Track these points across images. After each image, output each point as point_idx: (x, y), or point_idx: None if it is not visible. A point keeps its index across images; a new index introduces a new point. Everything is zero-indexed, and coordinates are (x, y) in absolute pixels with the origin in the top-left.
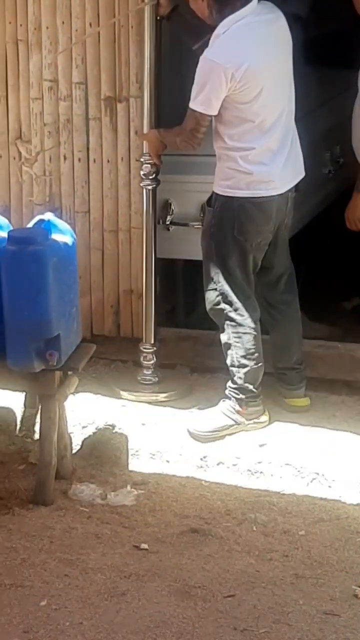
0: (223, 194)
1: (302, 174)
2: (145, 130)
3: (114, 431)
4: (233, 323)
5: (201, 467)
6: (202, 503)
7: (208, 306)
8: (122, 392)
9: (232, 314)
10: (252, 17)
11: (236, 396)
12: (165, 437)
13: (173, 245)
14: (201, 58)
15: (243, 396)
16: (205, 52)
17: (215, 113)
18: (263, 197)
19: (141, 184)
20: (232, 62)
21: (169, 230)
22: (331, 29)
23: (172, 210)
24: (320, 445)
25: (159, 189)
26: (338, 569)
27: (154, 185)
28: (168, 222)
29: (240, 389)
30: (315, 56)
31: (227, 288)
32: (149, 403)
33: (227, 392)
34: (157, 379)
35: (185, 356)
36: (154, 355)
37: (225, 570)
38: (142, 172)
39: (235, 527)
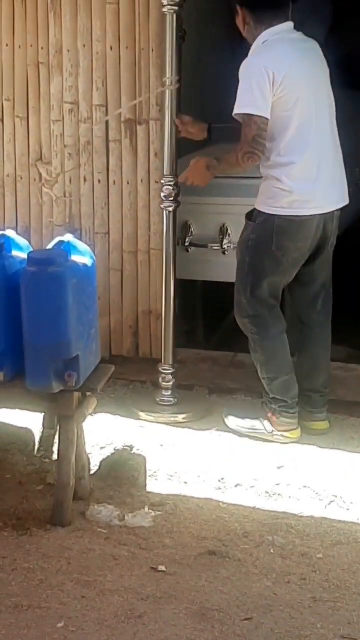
0: (265, 210)
1: (347, 201)
2: (166, 153)
3: (132, 452)
4: (259, 335)
5: (219, 488)
6: (220, 525)
7: (237, 318)
8: (140, 413)
9: (259, 327)
10: (288, 34)
11: (269, 404)
12: (184, 459)
13: (192, 267)
14: (242, 65)
15: (275, 406)
16: (245, 60)
17: (267, 115)
18: (304, 216)
19: (161, 206)
20: (273, 65)
21: (188, 251)
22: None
23: (192, 232)
24: (339, 468)
25: (178, 211)
26: (356, 593)
27: (174, 207)
28: (187, 244)
29: (273, 399)
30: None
31: (254, 301)
32: (167, 424)
33: (263, 400)
34: (175, 400)
35: (204, 377)
36: (172, 377)
37: (243, 593)
38: (162, 194)
39: (253, 549)
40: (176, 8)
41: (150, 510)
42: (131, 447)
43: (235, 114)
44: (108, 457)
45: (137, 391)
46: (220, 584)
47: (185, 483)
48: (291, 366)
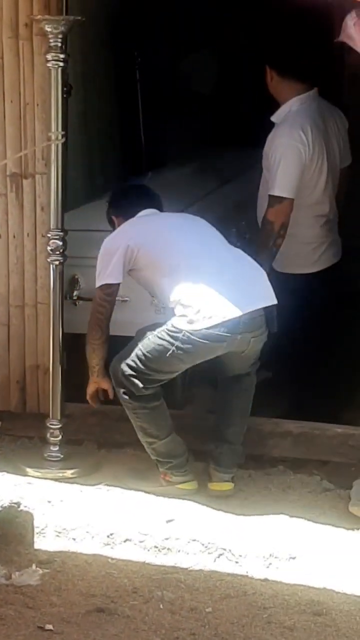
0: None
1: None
2: (52, 206)
3: (19, 509)
4: (132, 404)
5: (108, 544)
6: (109, 581)
7: (113, 376)
8: (27, 469)
9: (132, 398)
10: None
11: (158, 466)
12: (72, 515)
13: (80, 321)
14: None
15: (163, 468)
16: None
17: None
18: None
19: (48, 259)
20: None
21: (76, 305)
22: (235, 109)
23: (79, 285)
24: (228, 520)
25: (66, 265)
26: None
27: (61, 261)
28: (75, 297)
29: (157, 461)
30: (220, 135)
31: (136, 381)
32: (56, 480)
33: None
34: (63, 455)
35: (92, 431)
36: (60, 431)
37: None
38: (49, 248)
39: (142, 605)
40: (61, 63)
41: (38, 568)
42: (18, 504)
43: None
44: None
45: (24, 447)
46: None
47: (74, 539)
48: (170, 428)
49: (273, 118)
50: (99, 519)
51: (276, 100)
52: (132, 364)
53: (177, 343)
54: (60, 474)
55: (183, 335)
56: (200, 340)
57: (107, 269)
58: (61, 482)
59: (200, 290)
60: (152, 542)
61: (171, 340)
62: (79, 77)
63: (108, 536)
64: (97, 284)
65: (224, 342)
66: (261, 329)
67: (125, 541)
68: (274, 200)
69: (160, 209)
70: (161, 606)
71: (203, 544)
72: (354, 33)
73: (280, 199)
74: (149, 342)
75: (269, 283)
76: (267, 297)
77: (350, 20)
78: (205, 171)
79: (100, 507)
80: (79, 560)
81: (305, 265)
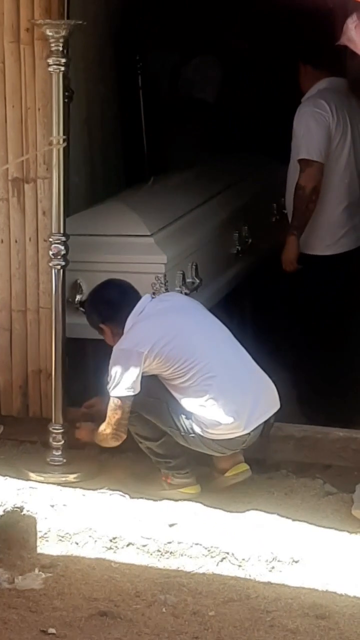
0: None
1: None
2: (54, 211)
3: (22, 514)
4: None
5: (110, 548)
6: (112, 585)
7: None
8: (30, 474)
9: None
10: None
11: (159, 466)
12: (75, 519)
13: (83, 325)
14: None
15: (164, 469)
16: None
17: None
18: None
19: (50, 264)
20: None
21: (78, 310)
22: (236, 115)
23: (81, 290)
24: (230, 524)
25: (68, 269)
26: None
27: (63, 265)
28: (77, 302)
29: (157, 462)
30: (222, 141)
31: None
32: (58, 484)
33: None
34: (66, 459)
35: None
36: (63, 436)
37: None
38: (50, 252)
39: (145, 609)
40: (62, 68)
41: (41, 572)
42: (21, 509)
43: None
44: None
45: (27, 451)
46: None
47: (77, 544)
48: (159, 431)
49: (303, 100)
50: (102, 523)
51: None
52: (134, 421)
53: (187, 437)
54: (63, 479)
55: (195, 437)
56: (210, 441)
57: (129, 379)
58: (64, 486)
59: (213, 410)
60: (154, 546)
61: (183, 434)
62: (81, 83)
63: (111, 540)
64: (119, 395)
65: (229, 448)
66: (261, 426)
67: (128, 545)
68: (303, 164)
69: (138, 296)
70: (164, 610)
71: (206, 548)
72: (355, 36)
73: (309, 163)
74: (160, 414)
75: (274, 388)
76: (272, 405)
77: (351, 23)
78: (207, 176)
79: (102, 511)
80: (82, 564)
81: (326, 247)
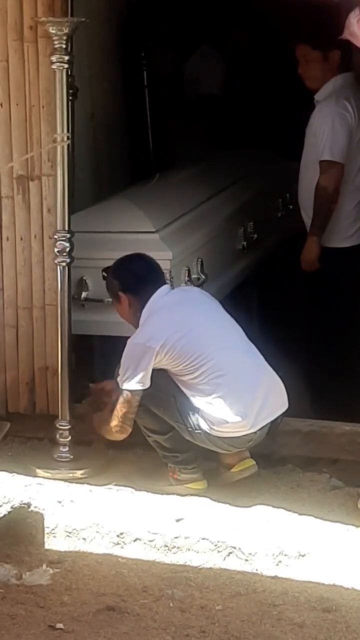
0: None
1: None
2: (58, 208)
3: (29, 510)
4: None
5: (118, 544)
6: (119, 580)
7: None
8: (37, 470)
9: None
10: None
11: (166, 461)
12: (82, 515)
13: (88, 322)
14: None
15: (171, 464)
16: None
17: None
18: None
19: (55, 261)
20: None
21: (84, 306)
22: (241, 111)
23: (87, 287)
24: (237, 519)
25: (74, 266)
26: None
27: (68, 262)
28: (83, 299)
29: (164, 456)
30: (227, 137)
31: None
32: (66, 480)
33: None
34: (73, 456)
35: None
36: (70, 432)
37: None
38: (56, 249)
39: (152, 603)
40: (65, 65)
41: (48, 568)
42: (29, 505)
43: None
44: (5, 515)
45: (34, 448)
46: None
47: (84, 539)
48: (165, 425)
49: (317, 96)
50: (109, 518)
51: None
52: (142, 414)
53: (194, 433)
54: (70, 475)
55: (201, 433)
56: (216, 438)
57: (140, 374)
58: (71, 482)
59: (221, 407)
60: (161, 541)
61: (190, 430)
62: (86, 80)
63: (118, 536)
64: (130, 388)
65: (235, 446)
66: (268, 425)
67: (135, 540)
68: (326, 165)
69: (164, 279)
70: (171, 604)
71: (212, 543)
72: (357, 30)
73: (331, 164)
74: (167, 409)
75: (283, 388)
76: (280, 406)
77: (353, 18)
78: (212, 172)
79: (110, 507)
80: (90, 559)
81: (341, 239)
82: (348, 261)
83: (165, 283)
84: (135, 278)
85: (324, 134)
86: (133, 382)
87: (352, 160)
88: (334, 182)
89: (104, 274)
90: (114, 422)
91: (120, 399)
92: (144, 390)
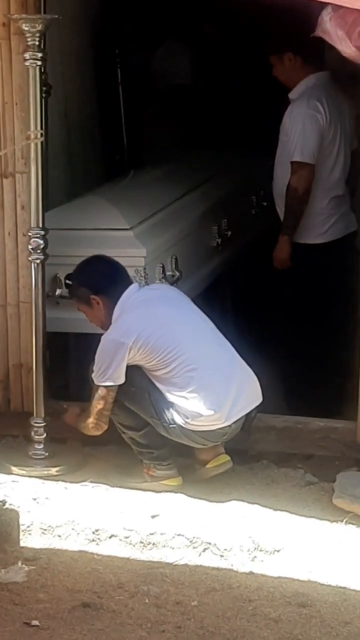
0: None
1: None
2: (32, 205)
3: (4, 507)
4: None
5: (93, 540)
6: (94, 577)
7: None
8: (12, 468)
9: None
10: None
11: (141, 457)
12: (57, 512)
13: (63, 319)
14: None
15: (146, 460)
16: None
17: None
18: None
19: (29, 258)
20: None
21: (58, 304)
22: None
23: (61, 284)
24: (212, 515)
25: (48, 263)
26: (230, 638)
27: (42, 259)
28: (57, 296)
29: (139, 453)
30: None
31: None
32: (41, 478)
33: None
34: (48, 453)
35: (77, 429)
36: (44, 430)
37: None
38: (30, 247)
39: (128, 600)
40: (39, 62)
41: (24, 565)
42: (4, 502)
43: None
44: None
45: (9, 445)
46: (94, 636)
47: (59, 536)
48: (140, 422)
49: (291, 95)
50: (85, 515)
51: (285, 85)
52: (117, 410)
53: (169, 427)
54: (46, 472)
55: (176, 428)
56: (191, 432)
57: (114, 369)
58: (46, 479)
59: (194, 401)
60: (137, 538)
61: (165, 425)
62: (59, 77)
63: (93, 532)
64: (104, 384)
65: (210, 440)
66: (243, 418)
67: (110, 537)
68: (296, 166)
69: (130, 277)
70: (147, 600)
71: (188, 539)
72: (330, 28)
73: (302, 165)
74: (142, 404)
75: (257, 381)
76: (254, 399)
77: (326, 15)
78: (186, 169)
79: (85, 504)
80: (65, 556)
81: (315, 235)
82: (323, 257)
83: (132, 281)
84: (105, 278)
85: (295, 135)
86: (107, 378)
87: (325, 158)
88: (305, 183)
89: (67, 282)
90: (90, 419)
91: (95, 395)
92: (118, 386)
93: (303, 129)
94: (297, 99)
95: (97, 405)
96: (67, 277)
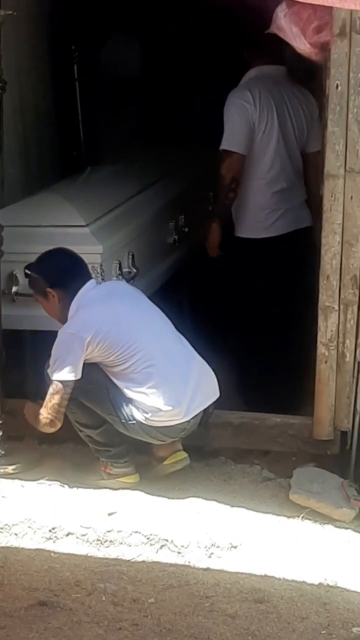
0: None
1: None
2: None
3: None
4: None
5: (50, 538)
6: (51, 575)
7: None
8: None
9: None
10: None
11: (98, 455)
12: (14, 510)
13: (19, 317)
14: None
15: (103, 458)
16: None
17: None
18: None
19: None
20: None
21: (14, 301)
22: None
23: (17, 281)
24: (169, 512)
25: (3, 260)
26: (187, 635)
27: None
28: (13, 293)
29: (96, 450)
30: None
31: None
32: None
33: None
34: (4, 451)
35: (33, 427)
36: (0, 428)
37: None
38: None
39: (85, 597)
40: None
41: None
42: None
43: None
44: None
45: None
46: (51, 635)
47: (16, 535)
48: (98, 419)
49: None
50: (41, 513)
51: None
52: (74, 408)
53: (127, 424)
54: (2, 470)
55: (135, 424)
56: (150, 428)
57: (71, 364)
58: (2, 478)
59: (154, 397)
60: (94, 535)
61: (123, 422)
62: (14, 72)
63: (50, 530)
64: (60, 378)
65: (169, 436)
66: (200, 414)
67: (67, 535)
68: (223, 154)
69: (89, 272)
70: (104, 598)
71: (145, 536)
72: (285, 24)
73: (228, 153)
74: (100, 401)
75: (214, 377)
76: (212, 394)
77: (280, 12)
78: (143, 165)
79: (42, 502)
80: (22, 555)
81: (258, 229)
82: (268, 251)
83: (91, 277)
84: (63, 272)
85: (225, 124)
86: (63, 372)
87: (262, 152)
88: (231, 171)
89: (26, 271)
90: (44, 414)
91: (50, 390)
92: (74, 381)
93: (230, 117)
94: (234, 89)
95: (52, 399)
96: (27, 266)
